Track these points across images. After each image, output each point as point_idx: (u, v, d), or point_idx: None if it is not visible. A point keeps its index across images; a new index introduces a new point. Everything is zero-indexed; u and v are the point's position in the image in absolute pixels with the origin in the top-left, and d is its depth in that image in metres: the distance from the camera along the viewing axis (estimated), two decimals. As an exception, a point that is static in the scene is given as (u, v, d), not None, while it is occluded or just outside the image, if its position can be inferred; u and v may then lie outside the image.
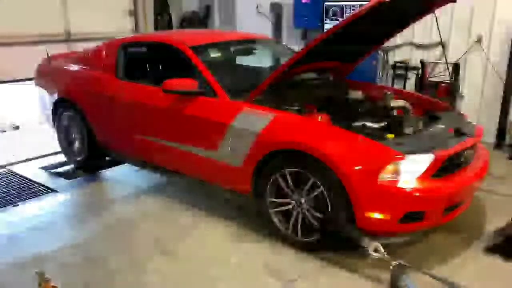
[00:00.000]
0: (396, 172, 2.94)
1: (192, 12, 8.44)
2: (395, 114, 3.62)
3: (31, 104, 5.63)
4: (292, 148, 3.19)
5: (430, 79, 5.93)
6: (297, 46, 6.44)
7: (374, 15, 3.19)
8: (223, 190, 3.78)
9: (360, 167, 2.95)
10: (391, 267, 2.80)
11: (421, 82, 5.96)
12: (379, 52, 6.28)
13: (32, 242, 3.53)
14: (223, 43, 4.52)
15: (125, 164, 4.94)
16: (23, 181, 4.72)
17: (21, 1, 6.17)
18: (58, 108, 4.96)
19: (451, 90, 5.69)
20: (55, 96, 4.91)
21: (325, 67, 4.30)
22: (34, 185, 4.63)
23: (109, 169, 5.02)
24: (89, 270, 3.17)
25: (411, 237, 3.30)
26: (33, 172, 4.96)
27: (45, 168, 5.07)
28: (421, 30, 5.99)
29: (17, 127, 6.74)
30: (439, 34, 4.47)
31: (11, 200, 4.28)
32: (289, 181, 3.27)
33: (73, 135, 4.95)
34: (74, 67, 4.86)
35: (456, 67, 5.69)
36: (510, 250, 3.23)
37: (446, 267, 3.13)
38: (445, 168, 3.09)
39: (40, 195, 4.38)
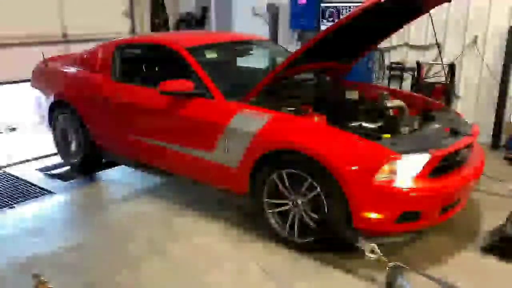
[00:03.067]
0: (393, 172, 2.95)
1: (189, 14, 8.44)
2: (391, 114, 3.63)
3: (28, 106, 5.62)
4: (289, 149, 3.19)
5: (426, 80, 5.95)
6: (293, 47, 6.45)
7: (370, 15, 3.20)
8: (220, 191, 3.78)
9: (356, 167, 2.95)
10: (387, 268, 2.81)
11: (417, 83, 5.98)
12: (375, 53, 6.30)
13: (29, 244, 3.52)
14: (219, 44, 4.52)
15: (122, 166, 4.94)
16: (20, 183, 4.71)
17: (17, 2, 6.16)
18: (54, 110, 4.95)
19: (447, 91, 5.71)
20: (52, 98, 4.91)
21: (321, 68, 4.31)
22: (30, 186, 4.61)
23: (106, 170, 5.01)
24: (86, 272, 3.16)
25: (407, 237, 3.30)
26: (30, 173, 4.95)
27: (42, 170, 5.06)
28: (416, 31, 6.01)
29: (13, 129, 6.72)
30: (435, 35, 4.49)
31: (7, 202, 4.26)
32: (286, 181, 3.27)
33: (69, 137, 4.95)
34: (71, 69, 4.86)
35: (451, 68, 5.71)
36: (506, 250, 3.23)
37: (442, 267, 3.14)
38: (441, 167, 3.10)
39: (36, 197, 4.37)
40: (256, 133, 3.32)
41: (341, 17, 6.29)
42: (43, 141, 5.60)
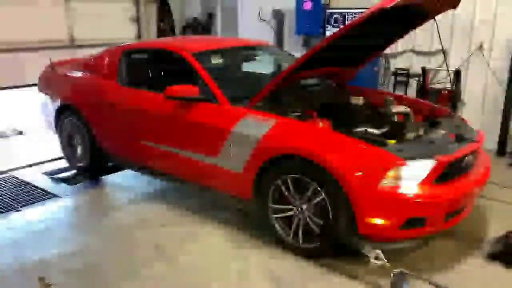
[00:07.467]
0: (398, 178, 2.94)
1: (195, 19, 8.49)
2: (396, 120, 3.63)
3: (35, 110, 5.67)
4: (293, 154, 3.19)
5: (431, 86, 5.94)
6: (298, 53, 6.46)
7: (375, 21, 3.21)
8: (224, 196, 3.79)
9: (361, 173, 2.95)
10: (391, 274, 2.79)
11: (422, 89, 5.96)
12: (381, 59, 6.30)
13: (34, 248, 3.54)
14: (224, 50, 4.54)
15: (127, 170, 4.96)
16: (26, 186, 4.73)
17: (25, 8, 6.22)
18: (61, 114, 4.98)
19: (453, 97, 5.69)
20: (58, 103, 4.94)
21: (327, 73, 4.32)
22: (36, 190, 4.64)
23: (111, 175, 5.03)
24: (91, 276, 3.18)
25: (412, 243, 3.29)
26: (36, 177, 4.98)
27: (48, 174, 5.08)
28: (422, 37, 6.01)
29: (20, 133, 6.77)
30: (440, 41, 4.49)
31: (13, 205, 4.29)
32: (291, 187, 3.27)
33: (75, 141, 4.97)
34: (77, 74, 4.89)
35: (457, 74, 5.70)
36: (511, 258, 3.22)
37: (446, 274, 3.12)
38: (447, 173, 3.09)
39: (42, 201, 4.39)
40: (260, 138, 3.32)
41: (347, 23, 6.31)
42: (49, 145, 5.63)
